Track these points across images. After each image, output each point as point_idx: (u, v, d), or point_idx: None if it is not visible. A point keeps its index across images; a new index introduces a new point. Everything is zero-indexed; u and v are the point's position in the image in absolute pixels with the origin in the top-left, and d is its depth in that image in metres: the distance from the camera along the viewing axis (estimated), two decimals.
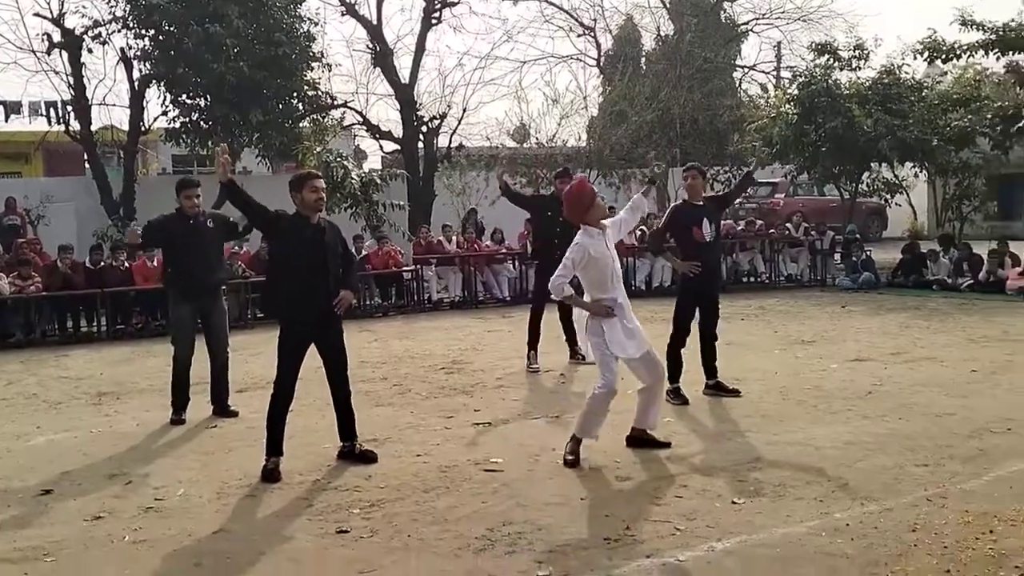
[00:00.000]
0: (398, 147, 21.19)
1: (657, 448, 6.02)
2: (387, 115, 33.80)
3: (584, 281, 5.91)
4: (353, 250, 14.77)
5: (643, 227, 15.06)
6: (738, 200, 21.98)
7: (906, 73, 18.39)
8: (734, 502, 4.96)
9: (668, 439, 6.16)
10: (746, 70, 29.94)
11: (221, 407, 7.58)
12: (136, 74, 17.87)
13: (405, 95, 20.33)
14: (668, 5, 28.02)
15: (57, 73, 18.27)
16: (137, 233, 7.84)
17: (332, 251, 5.96)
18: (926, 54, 16.26)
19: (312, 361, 6.03)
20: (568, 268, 5.83)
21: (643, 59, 28.44)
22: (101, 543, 4.70)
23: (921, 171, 20.32)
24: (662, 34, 27.89)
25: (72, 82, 18.00)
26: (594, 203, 5.88)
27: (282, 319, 5.93)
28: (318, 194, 5.84)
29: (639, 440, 6.09)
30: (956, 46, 16.01)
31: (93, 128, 18.67)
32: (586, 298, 5.92)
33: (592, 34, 27.01)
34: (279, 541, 4.63)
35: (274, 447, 5.82)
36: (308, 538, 4.66)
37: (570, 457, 5.80)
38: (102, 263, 13.59)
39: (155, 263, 12.64)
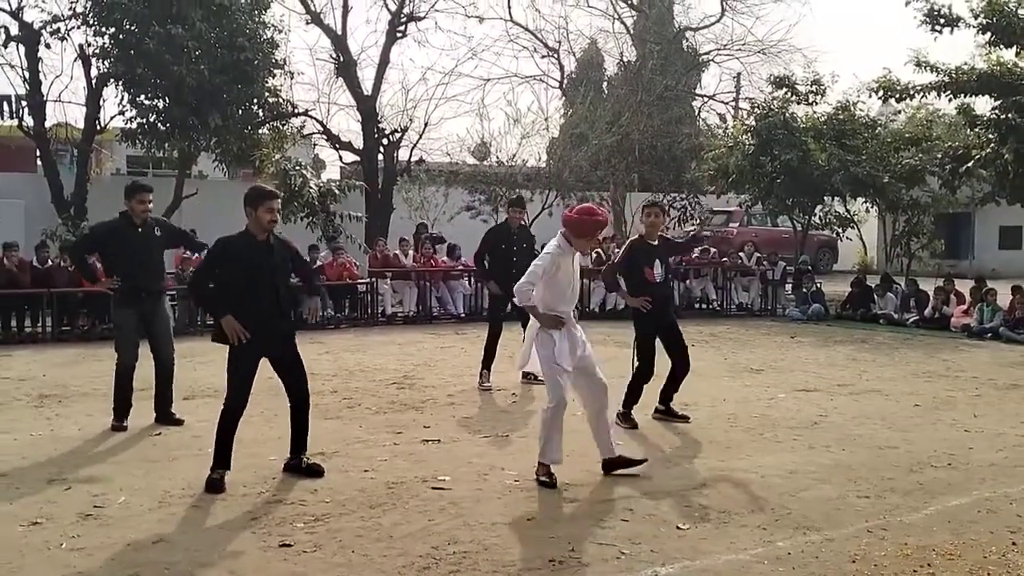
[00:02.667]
0: (358, 158, 21.13)
1: (633, 466, 6.03)
2: (348, 126, 33.64)
3: (543, 290, 5.95)
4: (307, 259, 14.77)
5: (599, 250, 15.14)
6: (692, 228, 22.39)
7: (861, 110, 18.84)
8: (679, 527, 5.00)
9: (642, 457, 6.18)
10: (706, 99, 30.42)
11: (164, 415, 7.45)
12: (94, 72, 17.58)
13: (367, 107, 20.29)
14: (632, 31, 28.39)
15: (13, 67, 17.90)
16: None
17: (281, 269, 5.92)
18: (881, 92, 16.65)
19: (263, 372, 5.97)
20: (536, 276, 5.90)
21: (605, 83, 28.76)
22: (37, 549, 4.59)
23: (872, 206, 20.77)
24: (625, 60, 28.24)
25: (28, 77, 17.64)
26: (592, 237, 6.07)
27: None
28: (272, 215, 5.77)
29: (614, 464, 6.07)
30: (910, 86, 16.41)
31: (47, 124, 18.31)
32: (540, 309, 5.97)
33: (556, 56, 27.29)
34: (220, 553, 4.56)
35: (222, 460, 5.73)
36: (250, 551, 4.59)
37: (543, 479, 5.79)
38: (49, 262, 13.33)
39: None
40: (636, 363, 7.54)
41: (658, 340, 7.64)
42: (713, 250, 18.47)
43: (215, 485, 5.58)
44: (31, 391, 8.87)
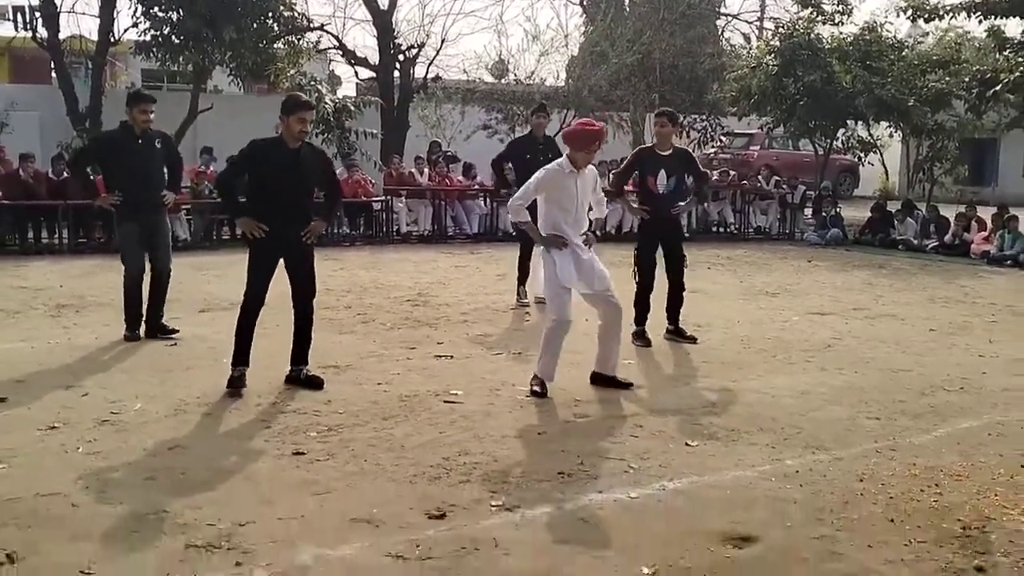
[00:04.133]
0: (373, 75, 20.83)
1: (619, 388, 6.07)
2: (364, 41, 33.20)
3: (542, 211, 5.97)
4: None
5: (615, 171, 15.00)
6: (712, 149, 22.10)
7: (888, 31, 18.36)
8: (687, 444, 5.03)
9: (628, 380, 6.21)
10: (729, 18, 29.66)
11: (155, 327, 7.46)
12: None
13: (383, 21, 19.93)
14: None
15: None
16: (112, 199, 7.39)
17: (307, 177, 5.99)
18: (909, 12, 16.19)
19: (281, 287, 5.99)
20: (528, 191, 5.99)
21: (627, 0, 28.07)
22: (55, 452, 4.67)
23: (896, 131, 20.42)
24: None
25: None
26: (589, 149, 5.92)
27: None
28: (303, 126, 5.82)
29: (601, 379, 6.15)
30: (939, 6, 15.96)
31: (61, 36, 18.12)
32: (541, 230, 5.97)
33: None
34: (235, 459, 4.63)
35: (240, 356, 5.88)
36: (264, 458, 4.66)
37: (536, 388, 5.87)
38: (65, 174, 13.31)
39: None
40: (635, 274, 7.51)
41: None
42: (732, 173, 18.24)
43: (236, 382, 5.76)
44: (48, 301, 8.95)
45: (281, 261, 5.96)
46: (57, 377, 6.14)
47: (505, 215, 15.50)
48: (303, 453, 4.72)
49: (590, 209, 6.21)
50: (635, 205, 7.64)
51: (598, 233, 6.37)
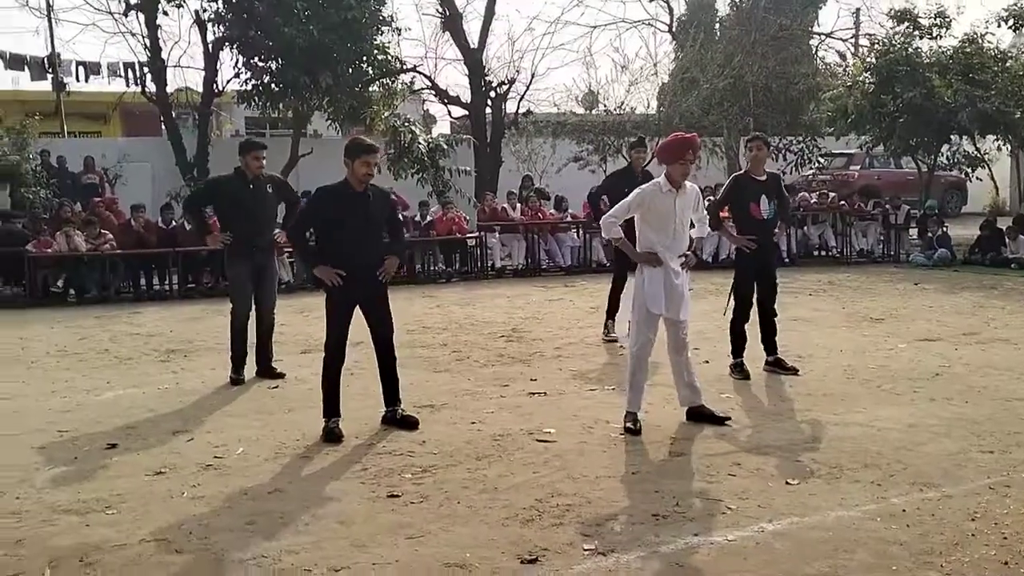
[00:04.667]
0: (466, 112, 21.15)
1: (715, 424, 5.96)
2: (456, 80, 33.78)
3: (639, 230, 5.93)
4: (418, 217, 14.92)
5: (710, 197, 14.82)
6: (810, 171, 21.63)
7: (990, 42, 17.71)
8: (788, 483, 4.89)
9: (726, 415, 6.08)
10: (823, 37, 29.07)
11: (265, 368, 7.70)
12: (210, 36, 18.12)
13: (474, 60, 20.26)
14: None
15: (134, 35, 18.69)
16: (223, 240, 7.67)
17: (375, 220, 6.05)
18: (1011, 21, 15.58)
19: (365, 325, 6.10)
20: (623, 208, 5.94)
21: (716, 25, 27.83)
22: (160, 498, 4.84)
23: (1004, 144, 19.62)
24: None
25: (148, 44, 18.35)
26: (681, 159, 5.79)
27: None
28: (368, 169, 5.89)
29: (696, 414, 6.06)
30: None
31: (169, 90, 19.03)
32: (638, 248, 5.93)
33: None
34: (331, 503, 4.71)
35: (331, 409, 5.95)
36: (359, 501, 4.73)
37: (629, 425, 5.82)
38: (174, 222, 13.89)
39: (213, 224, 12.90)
40: (730, 303, 7.37)
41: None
42: (832, 194, 17.79)
43: (332, 435, 5.80)
44: (159, 346, 9.31)
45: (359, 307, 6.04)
46: (165, 422, 6.37)
47: (598, 247, 15.50)
48: (397, 495, 4.77)
49: (692, 227, 6.13)
50: (734, 234, 7.50)
51: (699, 253, 6.27)
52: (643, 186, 6.01)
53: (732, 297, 7.42)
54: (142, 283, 13.74)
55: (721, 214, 7.72)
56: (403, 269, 14.86)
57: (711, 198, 14.76)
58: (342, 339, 5.99)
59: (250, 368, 7.70)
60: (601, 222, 6.02)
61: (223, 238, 7.62)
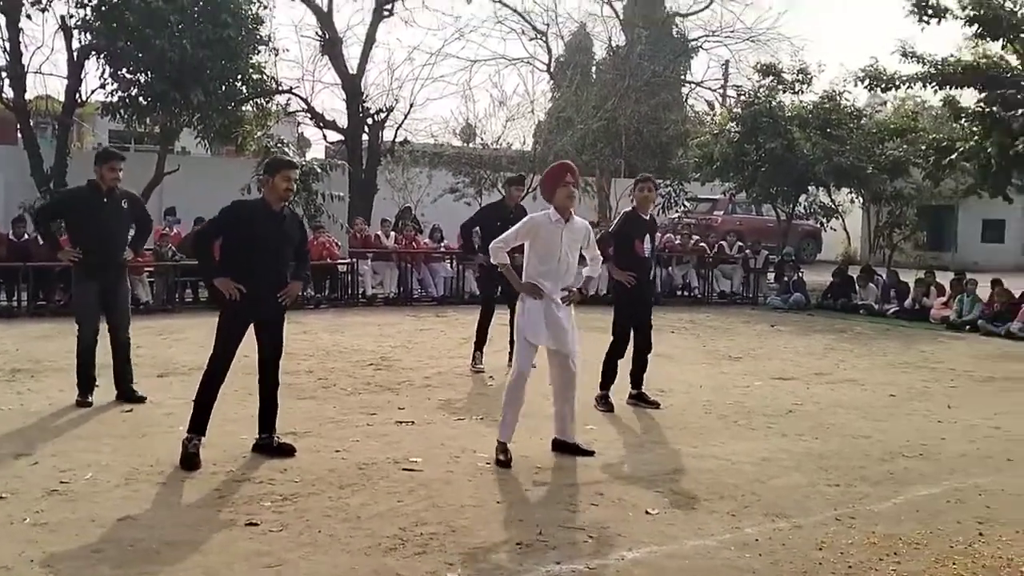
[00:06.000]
0: (342, 137, 20.98)
1: (580, 455, 6.02)
2: (333, 104, 33.48)
3: (526, 258, 5.93)
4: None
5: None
6: (677, 214, 22.37)
7: (847, 100, 18.81)
8: (648, 512, 4.99)
9: (590, 448, 6.16)
10: (694, 86, 30.37)
11: (125, 392, 7.35)
12: (76, 44, 17.35)
13: (352, 85, 20.14)
14: (620, 16, 28.27)
15: None
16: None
17: (287, 241, 5.92)
18: (867, 82, 16.60)
19: (241, 349, 5.90)
20: (510, 236, 5.95)
21: (593, 67, 28.64)
22: (0, 524, 4.54)
23: (857, 197, 20.81)
24: (613, 44, 28.12)
25: (8, 48, 17.42)
26: (562, 183, 5.84)
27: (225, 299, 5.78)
28: (288, 184, 5.76)
29: (562, 445, 6.10)
30: (896, 76, 16.37)
31: (28, 97, 18.11)
32: (523, 279, 5.92)
33: (544, 39, 27.14)
34: (186, 531, 4.52)
35: (198, 425, 5.70)
36: (216, 529, 4.56)
37: (501, 457, 5.80)
38: (26, 236, 13.19)
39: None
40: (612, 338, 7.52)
41: None
42: (695, 237, 18.44)
43: (190, 460, 5.55)
44: (3, 365, 8.78)
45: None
46: (8, 445, 5.99)
47: (471, 278, 15.56)
48: (256, 524, 4.62)
49: (583, 264, 6.17)
50: (617, 270, 7.66)
51: (584, 292, 6.30)
52: (533, 215, 6.02)
53: (614, 331, 7.56)
54: None
55: (607, 249, 7.90)
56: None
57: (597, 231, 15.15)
58: (229, 356, 5.77)
59: (108, 391, 7.33)
60: (490, 247, 6.02)
61: (72, 254, 7.24)
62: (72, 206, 7.35)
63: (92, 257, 7.13)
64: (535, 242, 5.88)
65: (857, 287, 16.45)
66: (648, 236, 7.56)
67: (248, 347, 5.92)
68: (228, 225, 5.85)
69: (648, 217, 7.67)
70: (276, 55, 18.71)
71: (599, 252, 6.44)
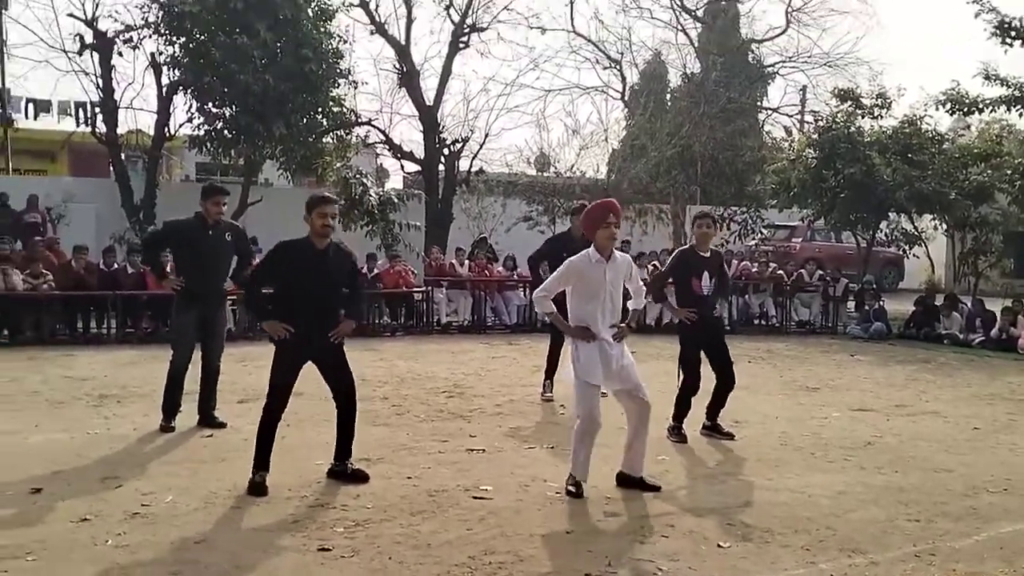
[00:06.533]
0: (419, 168, 21.32)
1: (646, 491, 5.94)
2: (410, 135, 33.97)
3: (570, 302, 5.87)
4: (366, 269, 14.89)
5: (655, 263, 15.09)
6: (753, 241, 22.10)
7: (928, 124, 18.39)
8: (719, 545, 4.93)
9: (659, 480, 6.07)
10: (770, 112, 30.04)
11: (207, 417, 7.57)
12: (164, 80, 18.12)
13: (429, 117, 20.49)
14: (695, 43, 28.18)
15: (87, 74, 18.58)
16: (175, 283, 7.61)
17: (334, 279, 5.98)
18: (948, 106, 16.23)
19: (314, 376, 6.03)
20: (553, 282, 5.88)
21: (668, 95, 28.58)
22: (84, 545, 4.71)
23: (940, 224, 20.27)
24: (688, 72, 28.03)
25: (101, 84, 18.27)
26: (603, 224, 5.76)
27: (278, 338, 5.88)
28: (325, 220, 5.82)
29: (628, 480, 6.02)
30: (979, 100, 15.98)
31: (119, 131, 18.90)
32: (570, 321, 5.88)
33: (618, 67, 27.17)
34: (259, 555, 4.62)
35: (261, 462, 5.81)
36: (289, 554, 4.65)
37: (571, 488, 5.77)
38: (116, 265, 13.70)
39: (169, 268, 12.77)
40: (680, 376, 7.45)
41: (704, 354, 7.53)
42: (773, 265, 18.18)
43: (257, 488, 5.67)
44: (91, 391, 9.12)
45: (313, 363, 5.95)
46: (93, 468, 6.23)
47: None
48: (329, 549, 4.71)
49: (628, 298, 6.15)
50: (676, 307, 7.60)
51: (633, 326, 6.23)
52: (571, 258, 5.92)
53: (681, 369, 7.50)
54: (79, 326, 13.46)
55: (665, 285, 7.84)
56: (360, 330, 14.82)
57: (655, 263, 15.09)
58: (285, 393, 5.86)
59: (190, 417, 7.56)
60: (533, 297, 5.97)
61: (176, 282, 7.54)
62: (178, 236, 7.65)
63: (194, 286, 7.42)
64: (579, 285, 5.80)
65: (941, 316, 15.99)
66: (707, 273, 7.47)
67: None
68: (274, 268, 5.95)
69: (708, 254, 7.55)
70: (355, 88, 19.20)
71: (642, 284, 6.37)
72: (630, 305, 6.21)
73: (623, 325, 5.95)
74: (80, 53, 18.25)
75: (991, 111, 16.21)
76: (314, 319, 5.85)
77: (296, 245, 5.94)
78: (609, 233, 5.78)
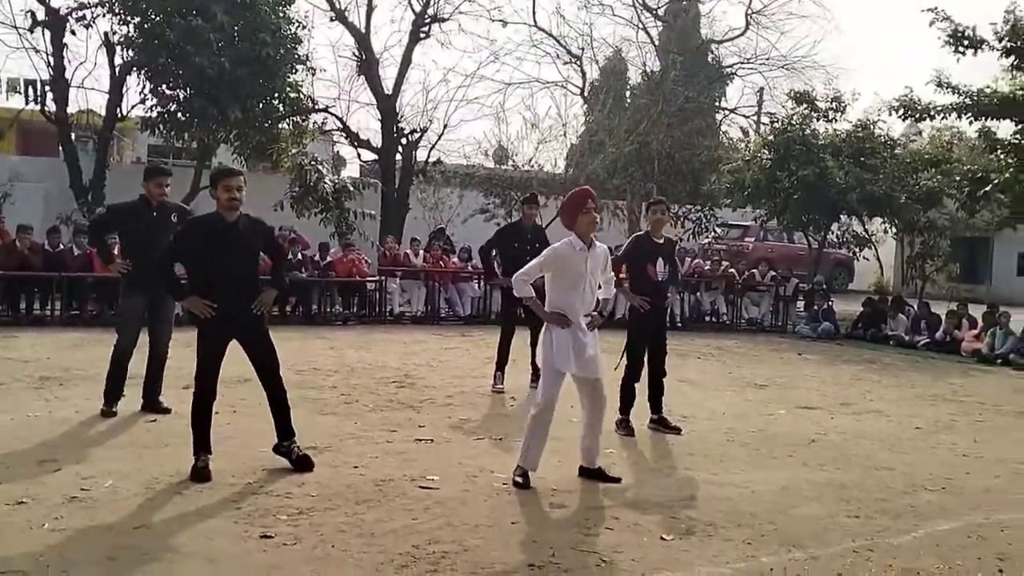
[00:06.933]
0: (376, 157, 21.17)
1: (606, 482, 5.97)
2: (368, 124, 33.75)
3: (550, 288, 5.89)
4: (318, 257, 14.70)
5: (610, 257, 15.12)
6: (707, 240, 22.30)
7: (881, 129, 18.69)
8: (663, 538, 4.96)
9: (617, 475, 6.09)
10: (727, 112, 30.29)
11: (152, 403, 7.45)
12: (118, 60, 17.74)
13: (387, 106, 20.34)
14: (656, 42, 28.30)
15: (38, 51, 18.10)
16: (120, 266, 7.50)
17: (248, 251, 5.90)
18: (901, 111, 16.50)
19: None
20: (534, 268, 5.88)
21: (627, 92, 28.67)
22: (19, 529, 4.61)
23: (890, 227, 20.63)
24: (648, 70, 28.15)
25: (52, 62, 17.83)
26: (583, 209, 5.80)
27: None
28: (231, 193, 5.69)
29: (589, 472, 6.05)
30: (931, 107, 16.26)
31: (70, 110, 18.49)
32: (547, 307, 5.89)
33: (578, 63, 27.16)
34: (199, 541, 4.56)
35: (202, 444, 5.73)
36: (229, 540, 4.59)
37: (518, 479, 5.77)
38: (61, 246, 13.43)
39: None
40: (623, 362, 7.45)
41: None
42: (725, 263, 18.36)
43: (200, 474, 5.58)
44: (33, 373, 8.93)
45: (236, 341, 5.87)
46: (32, 451, 6.09)
47: (498, 299, 15.58)
48: (271, 536, 4.65)
49: (599, 288, 6.17)
50: (631, 294, 7.64)
51: (604, 314, 6.27)
52: (555, 245, 5.98)
53: (624, 355, 7.54)
54: (22, 307, 13.18)
55: (619, 273, 7.86)
56: (296, 306, 14.69)
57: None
58: (213, 373, 5.77)
59: (134, 401, 7.43)
60: (513, 280, 5.97)
61: (122, 266, 7.39)
62: (123, 220, 7.51)
63: (140, 270, 7.25)
64: (560, 271, 5.83)
65: (888, 318, 16.28)
66: (662, 259, 7.52)
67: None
68: (185, 244, 5.85)
69: (662, 240, 7.61)
70: (313, 74, 18.99)
71: (612, 274, 6.41)
72: (600, 295, 6.23)
73: (595, 314, 5.98)
74: (31, 30, 17.81)
75: (942, 118, 16.49)
76: (234, 295, 5.74)
77: (205, 220, 5.88)
78: (590, 218, 5.84)
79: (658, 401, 7.70)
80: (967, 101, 15.63)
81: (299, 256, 14.88)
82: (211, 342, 5.75)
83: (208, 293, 5.71)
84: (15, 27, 18.24)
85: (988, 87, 15.59)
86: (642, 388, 7.61)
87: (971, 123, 16.26)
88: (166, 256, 6.02)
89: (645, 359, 7.60)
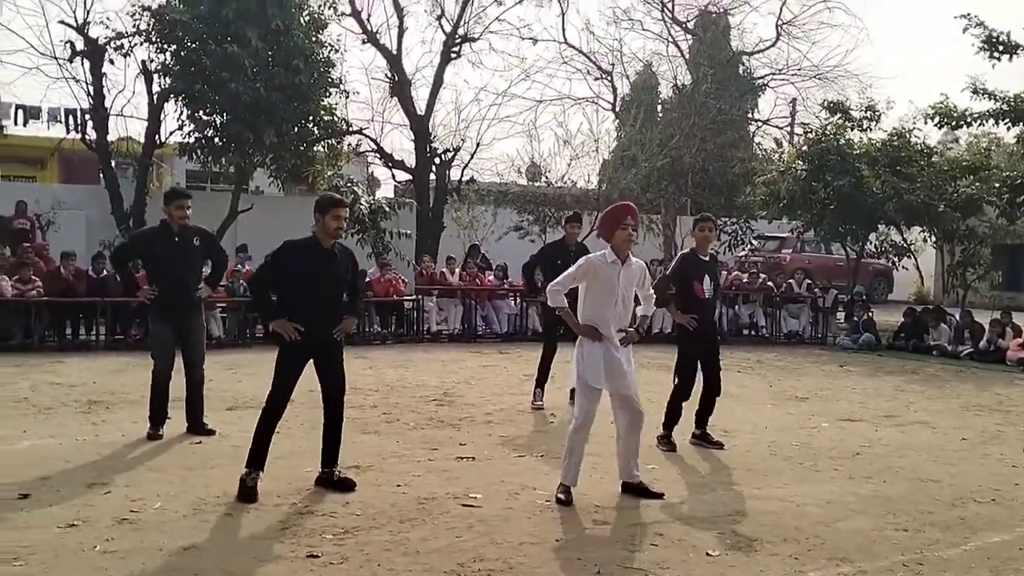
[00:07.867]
0: (410, 177, 21.32)
1: (648, 497, 5.96)
2: (401, 144, 33.99)
3: (582, 300, 5.90)
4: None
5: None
6: (743, 252, 22.17)
7: (917, 137, 18.49)
8: (708, 554, 4.93)
9: (659, 491, 6.07)
10: (760, 124, 30.14)
11: (196, 424, 7.54)
12: (155, 88, 18.04)
13: (420, 126, 20.49)
14: (686, 55, 28.28)
15: (78, 81, 18.47)
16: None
17: (339, 278, 6.03)
18: (936, 119, 16.32)
19: (304, 384, 6.03)
20: (567, 278, 5.90)
21: (659, 106, 28.64)
22: (72, 551, 4.69)
23: (929, 236, 20.37)
24: (679, 83, 28.10)
25: (92, 91, 18.19)
26: (621, 225, 5.82)
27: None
28: (339, 223, 5.88)
29: (631, 488, 6.05)
30: (967, 113, 16.08)
31: (110, 138, 18.84)
32: (579, 319, 5.89)
33: (609, 78, 27.21)
34: (248, 561, 4.61)
35: (256, 460, 5.81)
36: (277, 560, 4.64)
37: (561, 496, 5.78)
38: (104, 272, 13.65)
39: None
40: (675, 381, 7.45)
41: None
42: (763, 276, 18.23)
43: (248, 493, 5.66)
44: (80, 397, 9.08)
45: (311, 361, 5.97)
46: (82, 474, 6.20)
47: (534, 315, 15.61)
48: (317, 556, 4.70)
49: (637, 304, 6.15)
50: (679, 312, 7.60)
51: (642, 331, 6.25)
52: (589, 256, 6.01)
53: (676, 375, 7.49)
54: (68, 332, 13.41)
55: (667, 291, 7.84)
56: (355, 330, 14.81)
57: (660, 270, 15.09)
58: (287, 391, 5.88)
59: (180, 424, 7.53)
60: (547, 290, 6.01)
61: (148, 292, 7.46)
62: (145, 245, 7.61)
63: (164, 298, 7.35)
64: (592, 284, 5.85)
65: (929, 328, 16.06)
66: (708, 277, 7.49)
67: (314, 381, 6.04)
68: (281, 265, 5.96)
69: (707, 257, 7.59)
70: (347, 97, 19.14)
71: (653, 291, 6.38)
72: (639, 311, 6.22)
73: (631, 330, 5.98)
74: (71, 60, 18.18)
75: (979, 124, 16.31)
76: (320, 317, 5.87)
77: (304, 244, 5.96)
78: (626, 235, 5.84)
79: (705, 418, 7.67)
80: (1004, 107, 15.46)
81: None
82: (291, 363, 5.86)
83: (296, 314, 5.81)
84: (55, 58, 18.64)
85: None
86: (691, 403, 7.56)
87: (1009, 128, 16.07)
88: (261, 276, 6.17)
89: (697, 378, 7.55)
